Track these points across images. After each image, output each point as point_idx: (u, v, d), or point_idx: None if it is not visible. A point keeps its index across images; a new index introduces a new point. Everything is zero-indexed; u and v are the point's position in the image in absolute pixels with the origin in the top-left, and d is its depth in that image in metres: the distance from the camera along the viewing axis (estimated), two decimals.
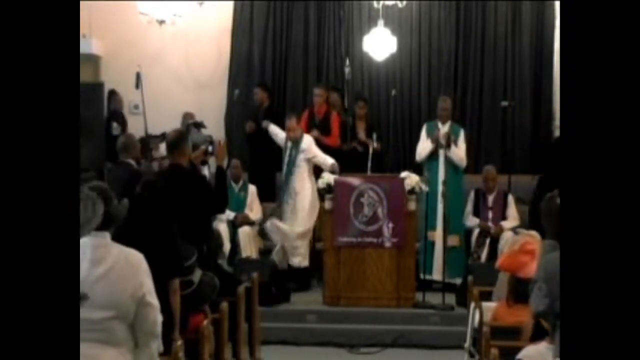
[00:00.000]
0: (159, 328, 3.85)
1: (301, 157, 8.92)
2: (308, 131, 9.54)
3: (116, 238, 3.97)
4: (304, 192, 8.92)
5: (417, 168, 9.09)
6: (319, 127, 9.70)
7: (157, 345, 3.87)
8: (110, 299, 3.64)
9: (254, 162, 10.04)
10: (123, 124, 10.26)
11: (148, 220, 4.92)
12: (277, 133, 9.33)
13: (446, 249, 8.68)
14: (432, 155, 9.14)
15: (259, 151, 10.04)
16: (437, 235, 8.86)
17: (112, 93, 10.42)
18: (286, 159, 9.03)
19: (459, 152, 9.13)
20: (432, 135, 9.14)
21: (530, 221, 8.40)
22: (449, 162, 9.01)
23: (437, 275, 8.84)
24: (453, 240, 8.88)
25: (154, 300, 3.80)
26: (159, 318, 3.84)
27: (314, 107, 9.99)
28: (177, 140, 5.99)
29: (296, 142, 8.98)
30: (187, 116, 9.87)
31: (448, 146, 8.98)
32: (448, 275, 8.69)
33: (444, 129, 9.17)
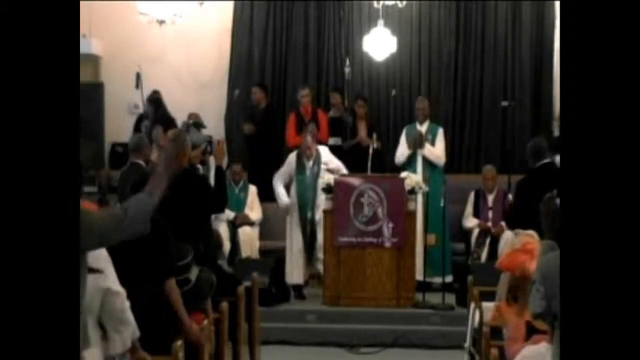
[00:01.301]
0: (128, 314, 3.87)
1: (323, 168, 8.78)
2: (298, 133, 9.57)
3: None
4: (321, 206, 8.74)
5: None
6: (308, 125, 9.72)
7: (130, 332, 3.88)
8: None
9: (253, 162, 10.02)
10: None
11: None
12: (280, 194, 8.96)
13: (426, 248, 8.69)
14: (411, 156, 9.20)
15: (258, 152, 10.03)
16: (417, 234, 8.81)
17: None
18: (307, 178, 8.76)
19: (436, 150, 9.18)
20: (410, 137, 9.21)
21: (513, 223, 8.35)
22: (427, 161, 9.05)
23: (418, 275, 8.81)
24: (430, 240, 8.83)
25: (118, 288, 3.83)
26: (126, 304, 3.86)
27: (299, 108, 10.02)
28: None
29: (316, 158, 8.87)
30: (191, 117, 9.86)
31: (421, 146, 8.99)
32: (428, 275, 8.69)
33: (421, 129, 9.22)
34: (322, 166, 8.78)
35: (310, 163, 8.86)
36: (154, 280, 4.73)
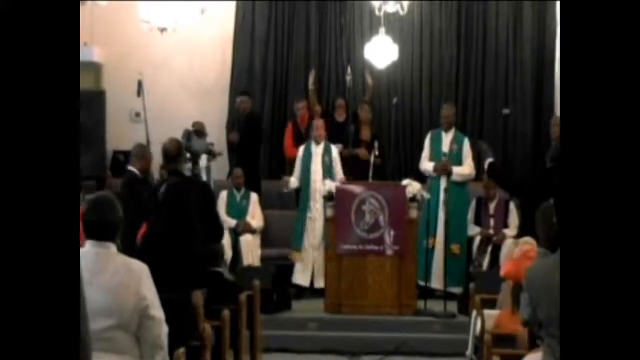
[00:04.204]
0: (163, 340, 3.83)
1: (334, 164, 8.96)
2: (295, 145, 9.59)
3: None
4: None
5: (418, 175, 9.07)
6: (305, 136, 9.69)
7: (162, 357, 3.86)
8: (111, 307, 3.63)
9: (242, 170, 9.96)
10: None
11: (182, 227, 4.97)
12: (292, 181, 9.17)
13: (447, 257, 8.65)
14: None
15: (246, 160, 9.98)
16: (438, 242, 8.82)
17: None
18: (318, 165, 8.94)
19: (464, 170, 9.04)
20: (436, 162, 9.02)
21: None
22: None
23: (436, 283, 8.81)
24: (454, 249, 8.83)
25: (157, 312, 3.78)
26: (164, 330, 3.82)
27: (296, 119, 10.04)
28: (179, 149, 6.11)
29: (327, 148, 9.00)
30: (196, 125, 9.87)
31: (449, 175, 8.90)
32: (447, 284, 8.66)
33: (446, 137, 9.15)
34: (333, 162, 8.90)
35: (320, 150, 8.92)
36: (182, 288, 4.77)
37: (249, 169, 9.78)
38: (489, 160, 6.98)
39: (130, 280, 3.69)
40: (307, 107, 10.12)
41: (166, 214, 5.08)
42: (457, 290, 8.57)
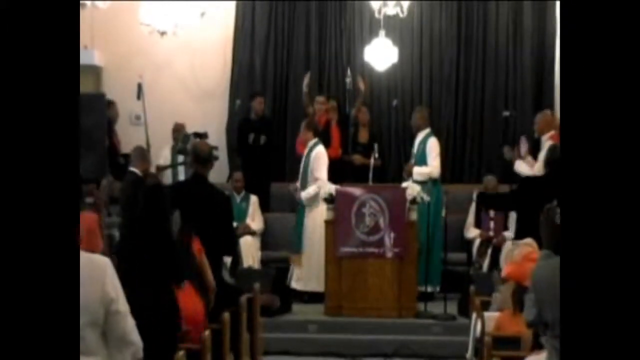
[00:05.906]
0: (132, 335, 3.81)
1: (309, 168, 8.86)
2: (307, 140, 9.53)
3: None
4: (313, 208, 8.81)
5: None
6: (320, 136, 9.61)
7: (132, 352, 3.84)
8: (81, 305, 3.61)
9: (249, 172, 9.95)
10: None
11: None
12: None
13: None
14: None
15: (254, 162, 9.98)
16: None
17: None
18: (301, 169, 8.97)
19: (424, 169, 9.06)
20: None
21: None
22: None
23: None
24: None
25: (122, 307, 3.75)
26: (130, 323, 3.80)
27: (314, 115, 9.96)
28: (210, 154, 6.21)
29: (310, 150, 8.94)
30: (178, 127, 9.87)
31: (410, 175, 8.99)
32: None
33: (417, 141, 9.27)
34: (309, 166, 8.80)
35: (306, 151, 8.94)
36: (163, 283, 4.76)
37: (260, 171, 9.77)
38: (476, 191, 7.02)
39: (94, 275, 3.65)
40: (327, 109, 9.96)
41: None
42: (430, 289, 8.64)
